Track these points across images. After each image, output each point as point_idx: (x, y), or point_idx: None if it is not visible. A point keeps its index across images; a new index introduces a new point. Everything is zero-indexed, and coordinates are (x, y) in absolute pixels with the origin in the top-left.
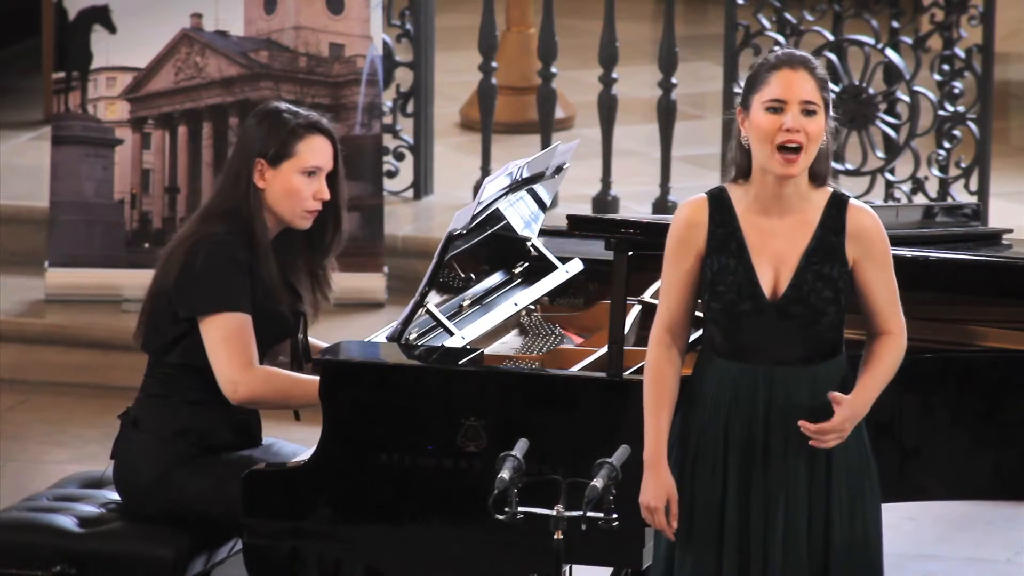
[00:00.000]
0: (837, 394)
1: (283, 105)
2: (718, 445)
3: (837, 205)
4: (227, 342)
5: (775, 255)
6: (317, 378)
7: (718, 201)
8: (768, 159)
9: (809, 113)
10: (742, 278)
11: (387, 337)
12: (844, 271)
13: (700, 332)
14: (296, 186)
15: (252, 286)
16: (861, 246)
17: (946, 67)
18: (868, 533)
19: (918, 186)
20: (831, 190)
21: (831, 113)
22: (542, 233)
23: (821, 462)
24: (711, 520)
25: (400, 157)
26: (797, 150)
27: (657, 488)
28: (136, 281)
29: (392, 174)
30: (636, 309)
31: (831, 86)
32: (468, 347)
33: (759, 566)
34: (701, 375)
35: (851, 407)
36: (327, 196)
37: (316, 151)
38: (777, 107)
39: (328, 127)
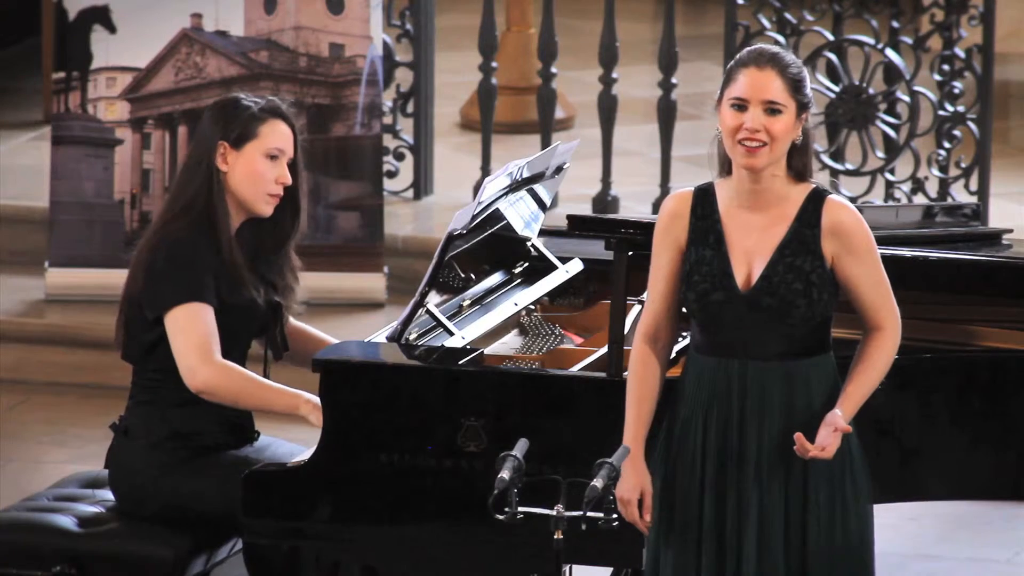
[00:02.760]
0: (831, 418)
1: (241, 95)
2: (697, 442)
3: (815, 200)
4: (185, 332)
5: (751, 247)
6: (281, 387)
7: (703, 195)
8: (732, 151)
9: (773, 112)
10: (717, 269)
11: (387, 337)
12: (818, 265)
13: (683, 344)
14: (259, 168)
15: (217, 280)
16: (838, 241)
17: (946, 67)
18: (850, 536)
19: (918, 186)
20: (813, 185)
21: (811, 110)
22: (542, 233)
23: (797, 463)
24: (691, 517)
25: (400, 157)
26: (759, 145)
27: (632, 480)
28: None
29: (392, 174)
30: (636, 309)
31: (830, 85)
32: (468, 347)
33: (734, 566)
34: (685, 372)
35: (837, 425)
36: (289, 181)
37: (278, 134)
38: (741, 105)
39: (289, 114)
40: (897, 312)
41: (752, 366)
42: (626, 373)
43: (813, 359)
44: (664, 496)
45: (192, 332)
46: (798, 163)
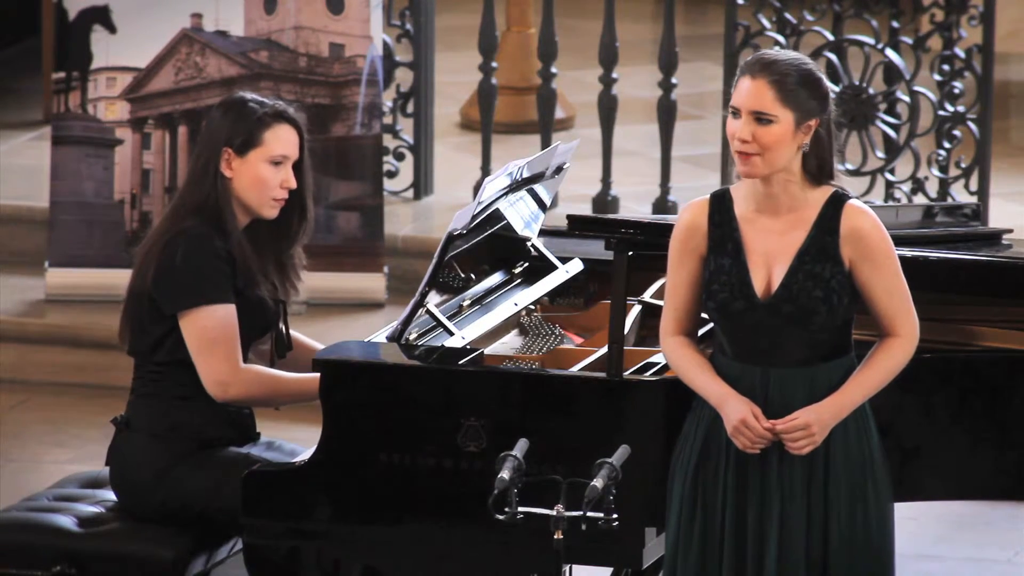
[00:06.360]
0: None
1: (248, 95)
2: (721, 446)
3: (835, 205)
4: (212, 343)
5: (769, 254)
6: (304, 376)
7: (719, 202)
8: (734, 157)
9: (763, 122)
10: (735, 278)
11: (387, 337)
12: (838, 271)
13: (706, 328)
14: (263, 175)
15: (233, 275)
16: (856, 247)
17: (946, 67)
18: (871, 534)
19: (918, 186)
20: (833, 189)
21: (824, 114)
22: (542, 233)
23: (819, 463)
24: (714, 521)
25: (400, 157)
26: (751, 154)
27: (740, 405)
28: None
29: (392, 174)
30: (636, 309)
31: (831, 86)
32: (468, 347)
33: (755, 567)
34: None
35: (815, 412)
36: (294, 185)
37: (283, 140)
38: (735, 112)
39: (295, 116)
40: (915, 322)
41: (774, 372)
42: (627, 373)
43: (835, 362)
44: (685, 501)
45: (218, 343)
46: (812, 166)
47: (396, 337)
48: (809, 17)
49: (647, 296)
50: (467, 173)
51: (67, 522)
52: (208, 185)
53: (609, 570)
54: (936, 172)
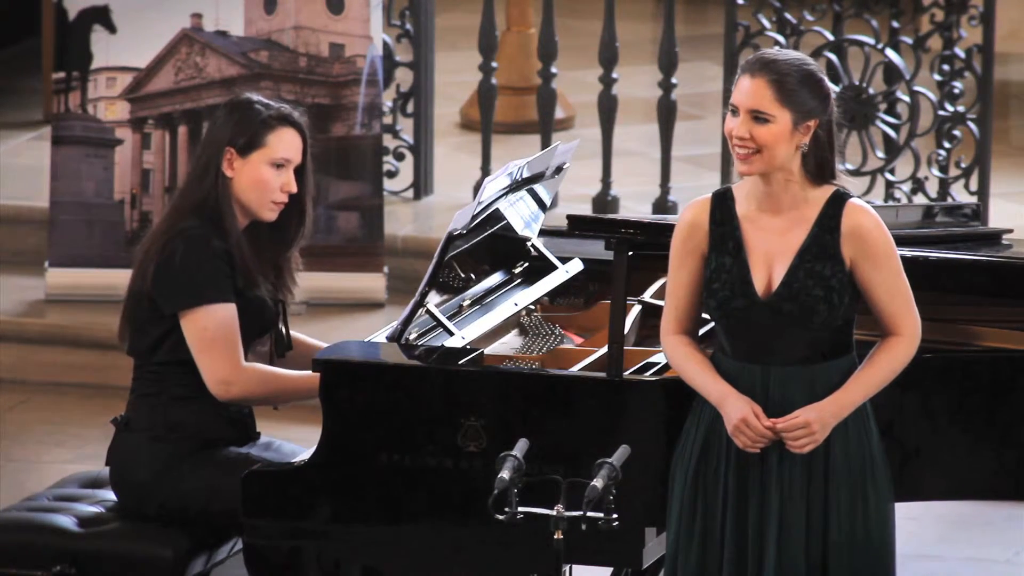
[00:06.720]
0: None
1: (255, 96)
2: (721, 446)
3: (836, 204)
4: (213, 342)
5: (770, 253)
6: (305, 374)
7: (721, 201)
8: (733, 156)
9: (760, 121)
10: (736, 276)
11: (387, 337)
12: (839, 270)
13: (707, 327)
14: (264, 177)
15: (232, 275)
16: (857, 246)
17: (946, 67)
18: (870, 533)
19: (918, 186)
20: (835, 188)
21: (825, 115)
22: (542, 233)
23: (819, 463)
24: (714, 521)
25: (400, 157)
26: (749, 152)
27: (740, 403)
28: None
29: (392, 174)
30: (636, 309)
31: (831, 86)
32: (468, 347)
33: (755, 566)
34: None
35: (816, 410)
36: (294, 189)
37: (286, 143)
38: (734, 110)
39: (299, 120)
40: (917, 322)
41: (775, 370)
42: (627, 373)
43: (836, 361)
44: (686, 501)
45: (219, 342)
46: (811, 166)
47: (396, 337)
48: (809, 17)
49: (647, 296)
50: (467, 173)
51: (67, 522)
52: (208, 184)
53: (609, 570)
54: (936, 172)
